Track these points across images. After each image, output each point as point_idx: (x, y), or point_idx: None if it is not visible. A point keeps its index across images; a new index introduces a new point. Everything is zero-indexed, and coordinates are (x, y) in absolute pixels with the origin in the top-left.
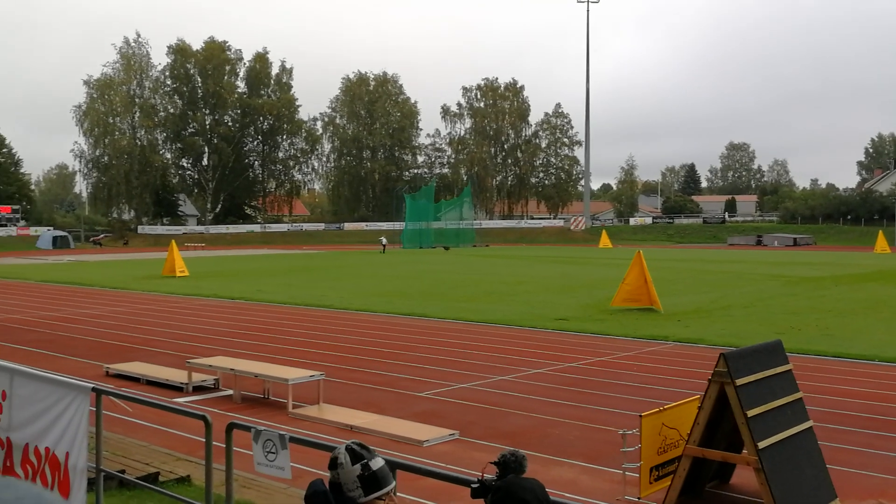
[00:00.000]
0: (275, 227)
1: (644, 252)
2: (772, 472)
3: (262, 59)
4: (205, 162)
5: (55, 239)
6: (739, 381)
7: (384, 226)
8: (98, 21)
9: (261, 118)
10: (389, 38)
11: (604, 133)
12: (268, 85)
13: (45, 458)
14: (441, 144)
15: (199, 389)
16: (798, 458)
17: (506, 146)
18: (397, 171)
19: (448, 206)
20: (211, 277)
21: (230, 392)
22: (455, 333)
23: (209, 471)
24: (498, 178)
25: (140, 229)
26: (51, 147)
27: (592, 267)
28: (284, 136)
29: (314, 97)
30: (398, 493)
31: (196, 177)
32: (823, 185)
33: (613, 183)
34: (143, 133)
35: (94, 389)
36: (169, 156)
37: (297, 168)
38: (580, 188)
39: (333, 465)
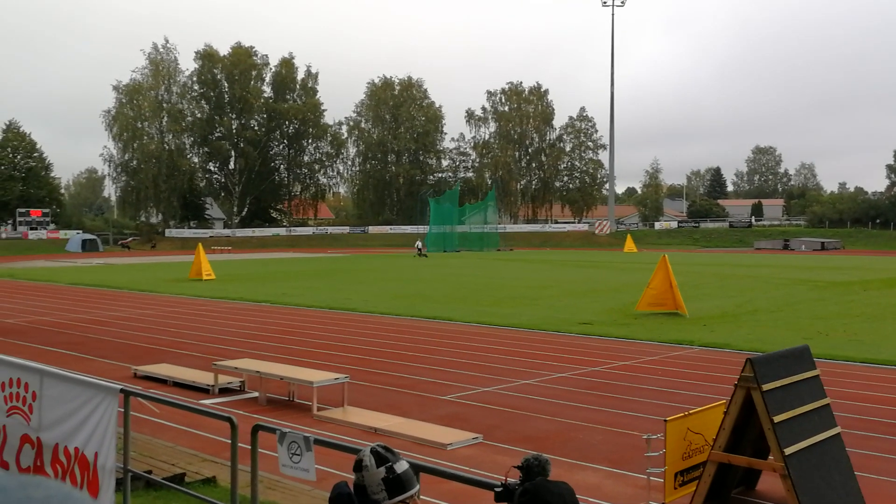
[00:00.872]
0: (300, 231)
1: (669, 256)
2: (799, 478)
3: (288, 64)
4: (231, 166)
5: (84, 242)
6: (766, 387)
7: (408, 229)
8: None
9: (287, 122)
10: (414, 42)
11: (628, 136)
12: (293, 89)
13: (75, 458)
14: (465, 148)
15: (225, 391)
16: (825, 465)
17: (530, 150)
18: (422, 174)
19: (472, 209)
20: (237, 280)
21: (256, 394)
22: (479, 337)
23: (234, 472)
24: (522, 182)
25: (167, 233)
26: (81, 151)
27: (617, 271)
28: (310, 140)
29: (339, 101)
30: (421, 497)
31: (223, 180)
32: (851, 189)
33: (638, 187)
34: (170, 137)
35: (122, 391)
36: (196, 160)
37: (322, 172)
38: (605, 192)
39: (358, 467)
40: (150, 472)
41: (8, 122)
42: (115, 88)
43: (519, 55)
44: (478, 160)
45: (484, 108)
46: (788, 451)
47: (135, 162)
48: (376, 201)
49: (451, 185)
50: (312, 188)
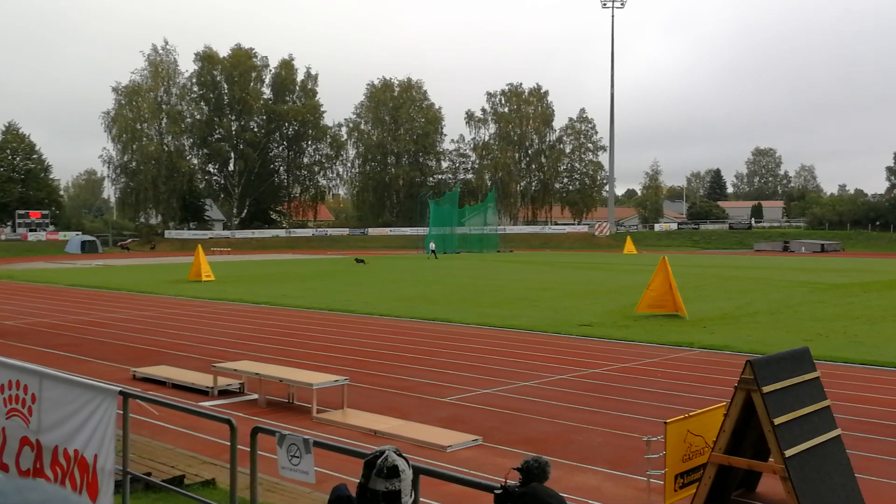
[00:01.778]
0: (300, 232)
1: (669, 258)
2: (799, 480)
3: (287, 65)
4: (231, 167)
5: (83, 243)
6: (766, 389)
7: (408, 231)
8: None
9: (286, 124)
10: (414, 44)
11: (628, 138)
12: (293, 91)
13: (74, 461)
14: (465, 150)
15: (224, 393)
16: (826, 467)
17: (530, 151)
18: (421, 176)
19: (472, 211)
20: (236, 282)
21: (255, 396)
22: (478, 339)
23: (234, 474)
24: (522, 184)
25: (167, 234)
26: (80, 153)
27: (617, 273)
28: (309, 142)
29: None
30: (421, 499)
31: (222, 182)
32: (851, 191)
33: (638, 188)
34: (170, 139)
35: (121, 393)
36: (195, 161)
37: (321, 173)
38: (604, 194)
39: (394, 473)
40: (149, 474)
41: (7, 124)
42: (115, 90)
43: (519, 56)
44: (477, 162)
45: (484, 110)
46: (789, 453)
47: (134, 163)
48: (376, 203)
49: (450, 186)
50: (312, 190)
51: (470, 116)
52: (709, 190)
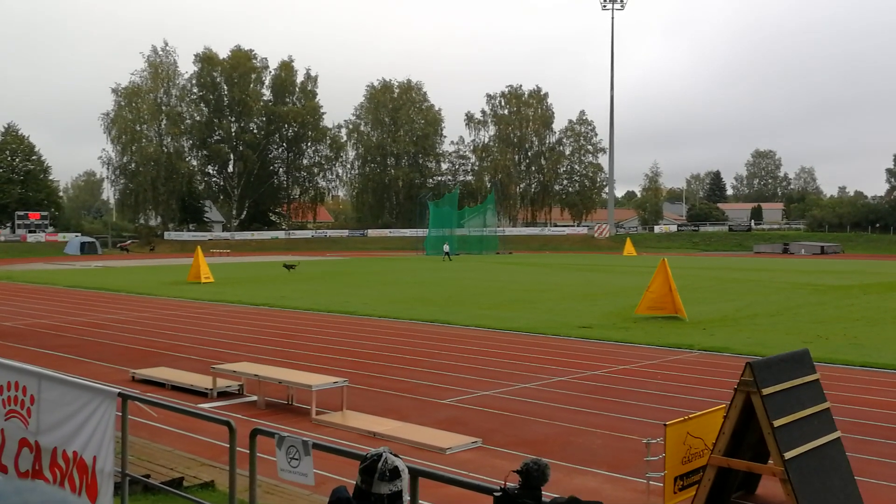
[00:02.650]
0: (299, 234)
1: (669, 260)
2: (798, 483)
3: (287, 67)
4: (230, 169)
5: (83, 245)
6: (766, 391)
7: (407, 233)
8: (126, 30)
9: (286, 125)
10: (413, 45)
11: (628, 140)
12: (293, 93)
13: (73, 462)
14: (465, 151)
15: (223, 395)
16: (825, 470)
17: (529, 153)
18: (421, 178)
19: (472, 213)
20: (236, 283)
21: (254, 398)
22: (478, 341)
23: (233, 476)
24: (521, 186)
25: (166, 235)
26: (79, 154)
27: (616, 275)
28: (309, 144)
29: (339, 104)
30: (420, 501)
31: (222, 183)
32: (851, 193)
33: (638, 190)
34: (169, 140)
35: (120, 394)
36: (195, 163)
37: (321, 175)
38: (604, 195)
39: (396, 474)
40: (148, 476)
41: (7, 125)
42: (114, 91)
43: (519, 58)
44: (477, 163)
45: (483, 112)
46: (788, 455)
47: (133, 165)
48: (375, 204)
49: (450, 188)
50: (311, 191)
51: (469, 118)
52: (708, 192)
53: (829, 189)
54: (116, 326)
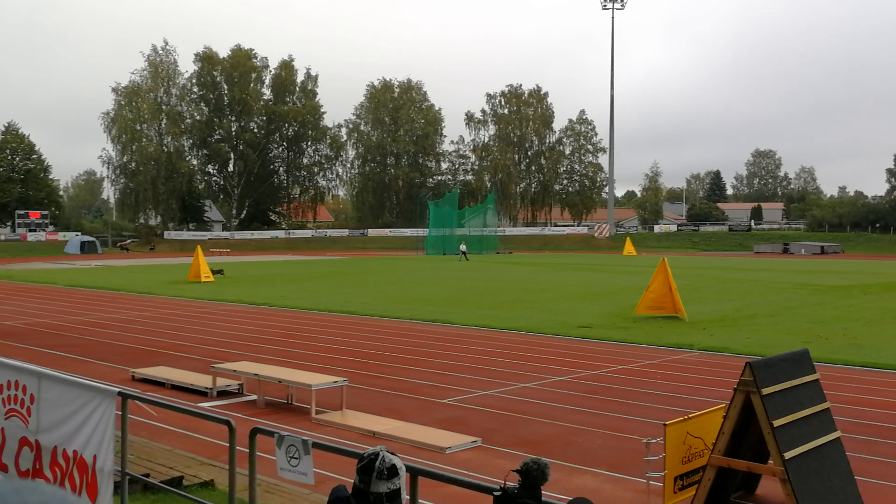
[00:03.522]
0: (299, 233)
1: (669, 259)
2: (798, 483)
3: (287, 66)
4: (230, 168)
5: (83, 244)
6: (765, 391)
7: (408, 232)
8: (126, 29)
9: (286, 125)
10: (414, 45)
11: (628, 140)
12: (293, 92)
13: (74, 461)
14: (465, 151)
15: (223, 394)
16: (825, 470)
17: (529, 153)
18: (421, 177)
19: (472, 212)
20: (235, 283)
21: (254, 397)
22: (478, 340)
23: (233, 475)
24: (522, 185)
25: (166, 235)
26: (79, 153)
27: (616, 274)
28: (309, 143)
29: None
30: (420, 500)
31: (222, 183)
32: (851, 193)
33: (638, 190)
34: (169, 140)
35: (120, 393)
36: (195, 162)
37: (321, 174)
38: (604, 195)
39: (394, 472)
40: (147, 475)
41: (7, 124)
42: (114, 90)
43: (519, 58)
44: (477, 163)
45: (483, 111)
46: (788, 455)
47: (133, 164)
48: (375, 204)
49: (450, 187)
50: (311, 191)
51: (470, 118)
52: (708, 191)
53: (829, 189)
54: (116, 326)
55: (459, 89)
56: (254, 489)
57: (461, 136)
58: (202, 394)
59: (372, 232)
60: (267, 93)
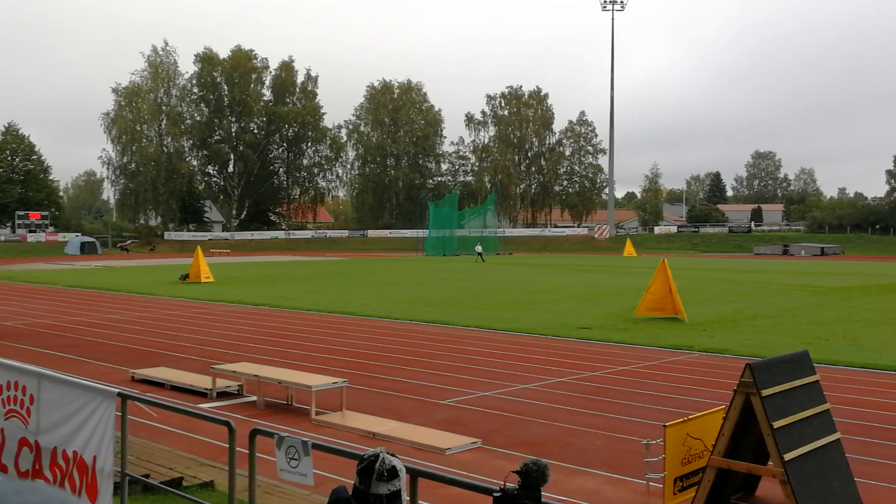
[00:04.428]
0: (299, 234)
1: (669, 261)
2: (798, 484)
3: (287, 67)
4: (230, 169)
5: (83, 245)
6: (765, 392)
7: (407, 233)
8: (126, 30)
9: (286, 126)
10: (414, 46)
11: (628, 141)
12: (293, 93)
13: (74, 462)
14: (465, 152)
15: (223, 395)
16: (825, 471)
17: (529, 154)
18: (421, 178)
19: (472, 213)
20: (235, 283)
21: (254, 398)
22: (478, 341)
23: (232, 476)
24: (521, 186)
25: (166, 235)
26: (79, 154)
27: (616, 275)
28: (309, 144)
29: (339, 105)
30: (420, 501)
31: (222, 183)
32: (851, 194)
33: (638, 191)
34: (169, 140)
35: (119, 394)
36: (195, 163)
37: (321, 175)
38: (604, 196)
39: (394, 474)
40: (147, 476)
41: (7, 125)
42: (115, 91)
43: (519, 59)
44: (477, 164)
45: (483, 112)
46: (788, 456)
47: (133, 165)
48: (375, 205)
49: (450, 188)
50: (311, 191)
51: (469, 119)
52: (708, 193)
53: (829, 190)
54: (116, 326)
55: (459, 90)
56: (253, 490)
57: (461, 137)
58: (202, 395)
59: (372, 233)
60: (267, 93)
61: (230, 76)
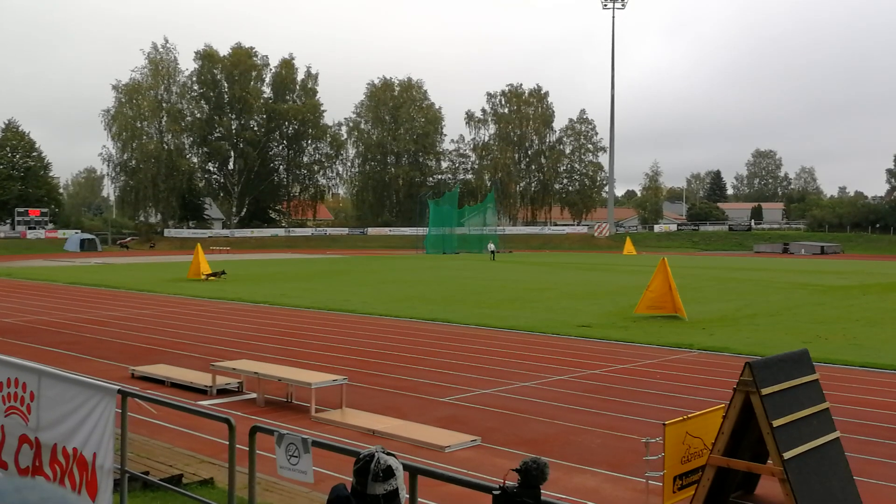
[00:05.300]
0: (299, 232)
1: (669, 259)
2: (797, 483)
3: (288, 64)
4: (231, 166)
5: (83, 242)
6: (765, 391)
7: (407, 231)
8: (127, 27)
9: (286, 123)
10: (414, 43)
11: (629, 139)
12: (293, 90)
13: (74, 459)
14: (465, 150)
15: (223, 392)
16: (824, 470)
17: (530, 152)
18: (421, 176)
19: (472, 211)
20: (235, 281)
21: (254, 395)
22: (477, 339)
23: (232, 474)
24: (521, 184)
25: (166, 232)
26: (79, 151)
27: (616, 274)
28: (309, 141)
29: (339, 102)
30: (420, 499)
31: (222, 181)
32: (851, 193)
33: (638, 189)
34: (170, 137)
35: (119, 391)
36: (195, 160)
37: (321, 173)
38: (604, 195)
39: (390, 473)
40: (147, 473)
41: (7, 122)
42: (115, 88)
43: (519, 57)
44: (477, 162)
45: (484, 110)
46: (787, 455)
47: (134, 162)
48: (375, 203)
49: (450, 186)
50: (311, 189)
51: (470, 117)
52: (708, 191)
53: (829, 189)
54: (116, 323)
55: (460, 88)
56: (253, 487)
57: (461, 135)
58: (202, 392)
59: (372, 230)
60: (267, 91)
61: (230, 73)
